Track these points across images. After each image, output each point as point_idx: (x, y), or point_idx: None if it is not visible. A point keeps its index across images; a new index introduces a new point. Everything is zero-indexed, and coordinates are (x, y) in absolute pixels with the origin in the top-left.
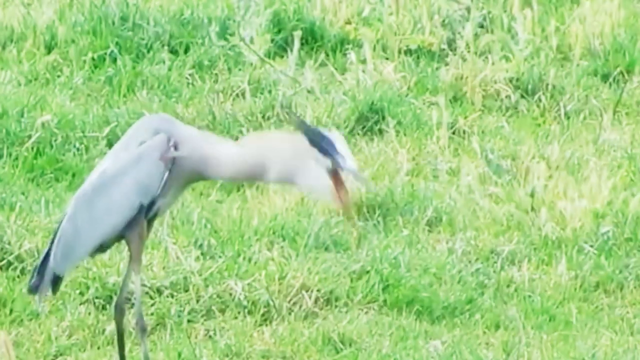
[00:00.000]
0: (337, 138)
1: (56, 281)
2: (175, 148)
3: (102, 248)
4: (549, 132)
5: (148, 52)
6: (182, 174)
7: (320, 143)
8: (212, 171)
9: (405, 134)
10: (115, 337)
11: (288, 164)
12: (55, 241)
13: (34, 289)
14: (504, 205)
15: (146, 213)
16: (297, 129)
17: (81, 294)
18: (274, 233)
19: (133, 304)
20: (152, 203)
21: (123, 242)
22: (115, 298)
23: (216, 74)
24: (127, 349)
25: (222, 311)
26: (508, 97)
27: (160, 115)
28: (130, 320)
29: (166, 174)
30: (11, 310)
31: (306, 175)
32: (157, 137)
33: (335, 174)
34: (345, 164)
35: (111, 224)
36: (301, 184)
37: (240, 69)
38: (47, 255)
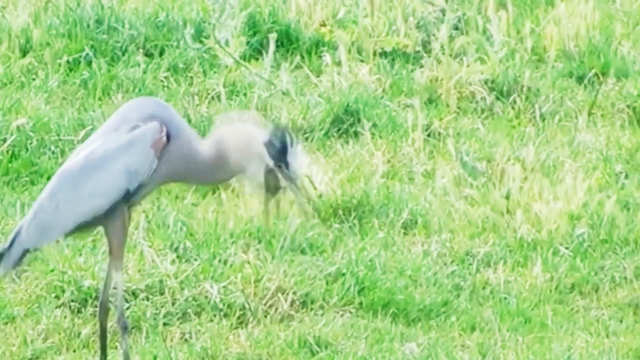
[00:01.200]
0: (299, 152)
1: (27, 257)
2: (168, 138)
3: (78, 231)
4: (524, 134)
5: (123, 55)
6: (166, 167)
7: (276, 145)
8: (191, 175)
9: (380, 136)
10: (96, 339)
11: (239, 151)
12: (31, 214)
13: (2, 261)
14: (479, 208)
15: (129, 199)
16: (270, 126)
17: (57, 297)
18: (249, 236)
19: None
20: (137, 189)
21: (100, 241)
22: (90, 301)
23: (191, 77)
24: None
25: (198, 314)
26: (483, 99)
27: (155, 100)
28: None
29: (155, 162)
30: None
31: (248, 166)
32: (151, 124)
33: (274, 180)
34: (289, 173)
35: (95, 206)
36: (242, 173)
37: (215, 72)
38: (20, 229)
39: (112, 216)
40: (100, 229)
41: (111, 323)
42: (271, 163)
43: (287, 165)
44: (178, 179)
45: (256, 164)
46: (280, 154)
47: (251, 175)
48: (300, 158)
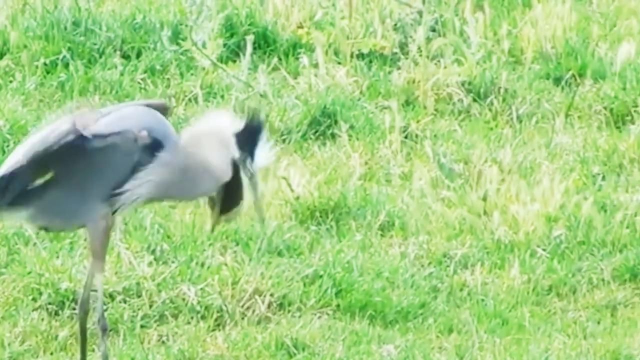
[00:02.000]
0: (266, 147)
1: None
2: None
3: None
4: (501, 136)
5: (100, 57)
6: (159, 179)
7: (246, 136)
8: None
9: (357, 138)
10: (74, 342)
11: (210, 142)
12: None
13: None
14: (456, 209)
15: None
16: (247, 115)
17: (34, 300)
18: (227, 238)
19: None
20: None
21: (77, 243)
22: (67, 303)
23: (168, 79)
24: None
25: (175, 316)
26: (460, 100)
27: (156, 116)
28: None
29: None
30: None
31: (216, 156)
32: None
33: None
34: (251, 168)
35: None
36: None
37: (192, 74)
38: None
39: (95, 219)
40: (83, 231)
41: (88, 325)
42: (237, 154)
43: (252, 157)
44: (169, 194)
45: (223, 154)
46: (248, 145)
47: (214, 162)
48: (266, 153)
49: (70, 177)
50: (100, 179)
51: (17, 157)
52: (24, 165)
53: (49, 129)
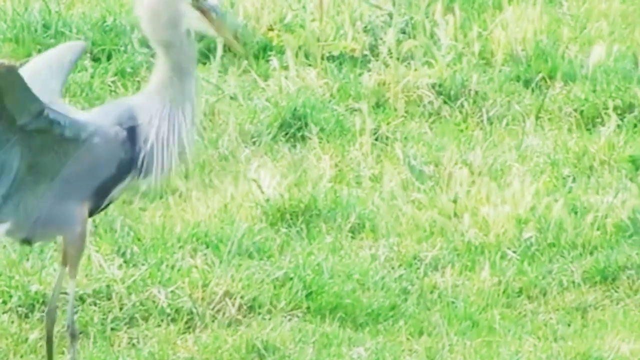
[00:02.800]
0: None
1: None
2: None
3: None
4: (472, 138)
5: None
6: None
7: None
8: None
9: (328, 141)
10: (44, 344)
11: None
12: None
13: None
14: (426, 211)
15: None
16: None
17: (4, 302)
18: (197, 240)
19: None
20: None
21: (48, 245)
22: (37, 306)
23: (139, 81)
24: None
25: (145, 319)
26: (431, 103)
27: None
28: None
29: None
30: None
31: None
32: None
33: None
34: (208, 5)
35: None
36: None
37: None
38: None
39: (72, 224)
40: (58, 239)
41: (58, 328)
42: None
43: None
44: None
45: (182, 6)
46: None
47: (186, 17)
48: None
49: (52, 181)
50: (83, 178)
51: None
52: None
53: None
